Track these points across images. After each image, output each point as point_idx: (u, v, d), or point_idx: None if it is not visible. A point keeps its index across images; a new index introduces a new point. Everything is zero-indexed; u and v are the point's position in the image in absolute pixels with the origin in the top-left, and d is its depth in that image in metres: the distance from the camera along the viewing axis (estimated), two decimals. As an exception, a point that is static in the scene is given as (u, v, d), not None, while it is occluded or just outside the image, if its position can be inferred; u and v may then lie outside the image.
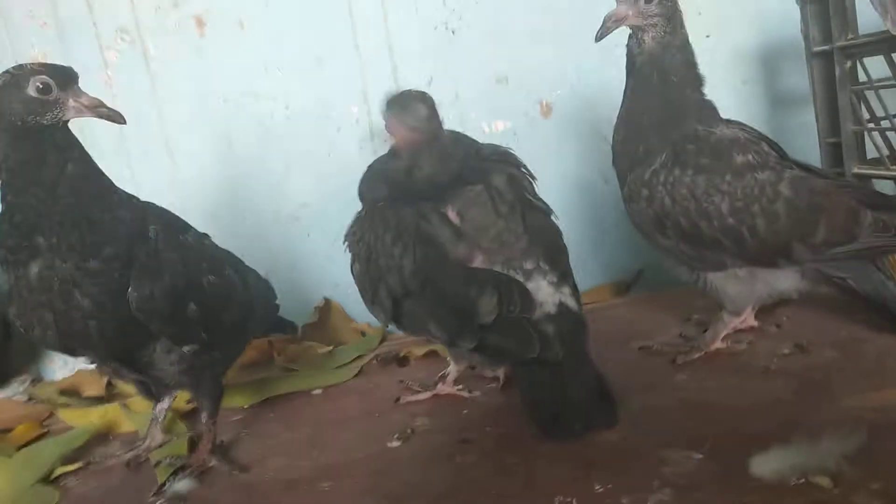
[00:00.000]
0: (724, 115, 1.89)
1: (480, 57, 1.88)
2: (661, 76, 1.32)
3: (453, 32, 1.87)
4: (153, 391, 1.30)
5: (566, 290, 1.20)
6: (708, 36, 1.92)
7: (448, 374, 1.37)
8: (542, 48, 1.86)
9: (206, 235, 1.33)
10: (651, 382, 1.28)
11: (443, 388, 1.36)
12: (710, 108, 1.38)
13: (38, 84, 1.03)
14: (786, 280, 1.33)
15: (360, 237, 1.26)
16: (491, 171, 1.25)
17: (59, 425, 1.48)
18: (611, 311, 1.77)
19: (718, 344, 1.39)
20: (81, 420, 1.44)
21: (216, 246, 1.34)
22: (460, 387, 1.37)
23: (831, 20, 1.48)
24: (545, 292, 1.17)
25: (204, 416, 1.25)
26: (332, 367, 1.59)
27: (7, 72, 1.05)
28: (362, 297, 1.28)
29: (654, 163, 1.31)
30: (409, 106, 1.25)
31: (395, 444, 1.20)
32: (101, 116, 1.10)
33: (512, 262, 1.18)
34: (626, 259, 1.97)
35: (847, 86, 1.48)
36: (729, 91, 1.95)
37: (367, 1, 1.83)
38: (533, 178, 1.31)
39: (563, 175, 1.95)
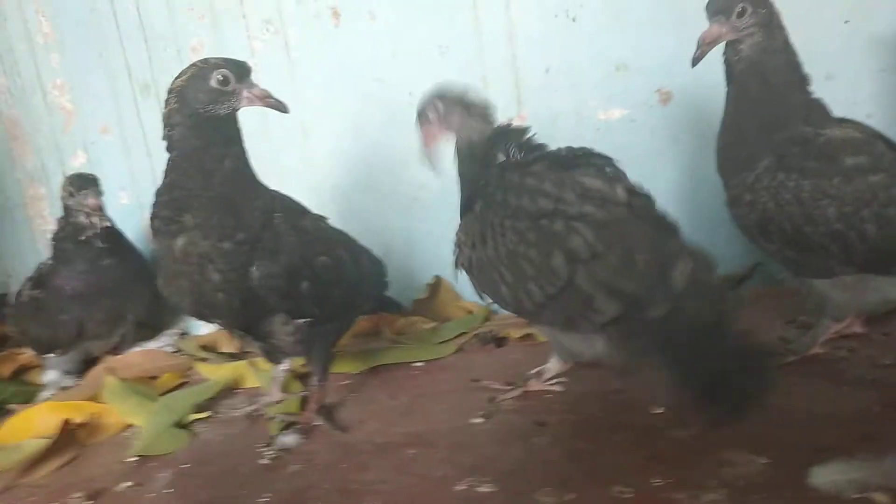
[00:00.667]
0: (860, 105, 1.82)
1: (600, 44, 1.88)
2: (762, 82, 1.30)
3: (574, 20, 1.88)
4: (274, 356, 1.46)
5: None
6: (847, 21, 1.81)
7: (544, 372, 1.38)
8: (662, 35, 1.84)
9: (322, 218, 1.46)
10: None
11: (534, 385, 1.38)
12: (819, 108, 1.33)
13: (219, 76, 1.18)
14: (897, 287, 1.28)
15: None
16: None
17: (197, 377, 1.70)
18: (720, 305, 1.76)
19: (817, 349, 1.37)
20: (214, 374, 1.65)
21: (332, 228, 1.47)
22: (553, 382, 1.38)
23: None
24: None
25: (314, 380, 1.40)
26: (435, 342, 1.70)
27: (193, 65, 1.21)
28: (517, 273, 1.15)
29: (758, 167, 1.29)
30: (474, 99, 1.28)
31: (478, 420, 1.29)
32: (269, 106, 1.25)
33: None
34: (740, 253, 1.92)
35: None
36: (866, 80, 1.83)
37: (491, -2, 1.88)
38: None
39: (679, 164, 1.93)
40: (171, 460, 1.31)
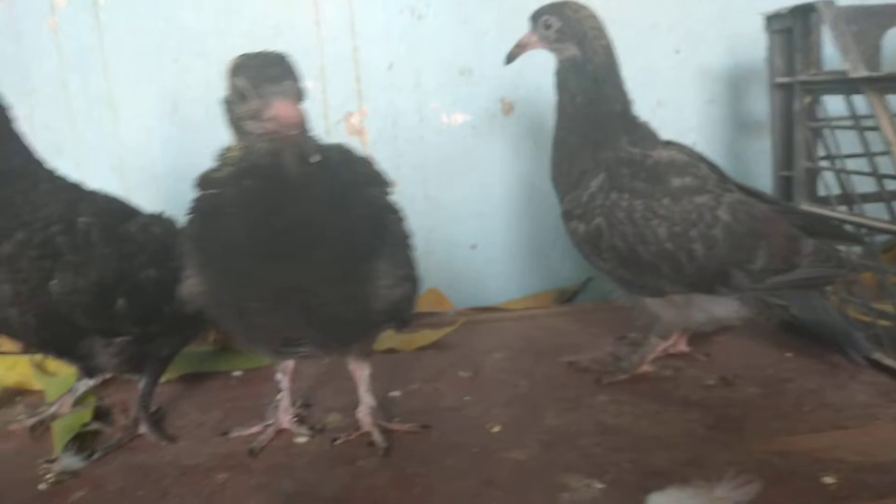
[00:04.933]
0: (686, 133, 1.90)
1: (445, 45, 1.83)
2: (570, 98, 1.31)
3: (419, 18, 1.81)
4: (92, 372, 1.27)
5: None
6: (678, 52, 1.89)
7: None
8: (509, 42, 1.81)
9: (156, 221, 1.27)
10: (571, 401, 1.26)
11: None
12: (645, 129, 1.35)
13: None
14: (725, 307, 1.31)
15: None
16: None
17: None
18: (548, 319, 1.75)
19: (646, 367, 1.38)
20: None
21: (169, 232, 1.28)
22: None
23: (795, 53, 1.45)
24: None
25: (140, 384, 1.23)
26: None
27: None
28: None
29: (591, 185, 1.29)
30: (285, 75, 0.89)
31: (302, 440, 1.16)
32: None
33: None
34: (574, 268, 1.95)
35: (804, 121, 1.45)
36: (694, 109, 1.93)
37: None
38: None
39: (518, 175, 1.92)
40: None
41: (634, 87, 1.35)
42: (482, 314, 1.82)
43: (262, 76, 0.87)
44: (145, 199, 1.39)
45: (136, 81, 1.75)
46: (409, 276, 1.09)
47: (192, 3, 1.74)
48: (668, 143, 1.37)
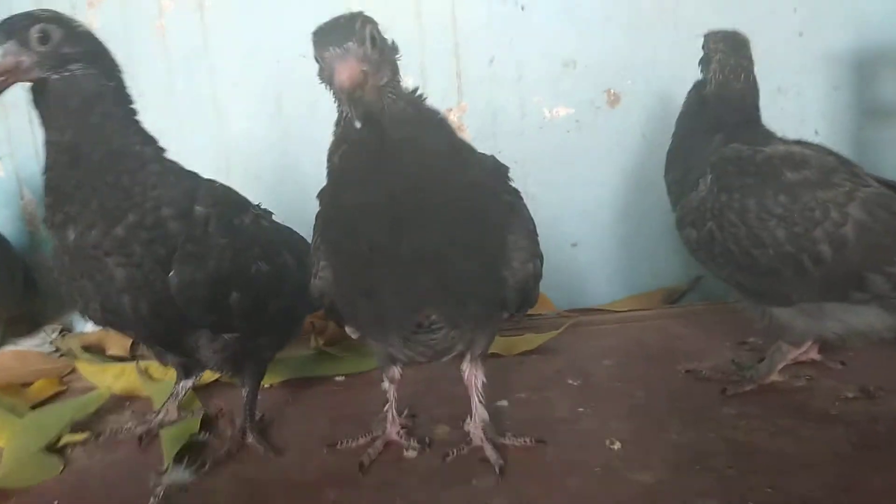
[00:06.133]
0: (809, 122, 1.77)
1: (548, 37, 1.76)
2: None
3: (522, 8, 1.75)
4: (190, 370, 1.26)
5: None
6: (801, 34, 1.76)
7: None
8: (614, 33, 1.74)
9: (265, 215, 1.26)
10: (694, 414, 1.18)
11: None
12: (760, 130, 1.30)
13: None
14: (864, 316, 1.18)
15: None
16: None
17: (81, 383, 1.45)
18: (660, 321, 1.67)
19: (775, 377, 1.28)
20: (97, 377, 1.41)
21: (277, 226, 1.27)
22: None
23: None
24: None
25: (244, 391, 1.21)
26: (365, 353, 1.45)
27: None
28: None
29: (700, 187, 1.23)
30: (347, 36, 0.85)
31: (412, 454, 1.12)
32: None
33: None
34: (682, 266, 1.85)
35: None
36: (818, 96, 1.79)
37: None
38: None
39: (623, 170, 1.84)
40: (35, 495, 1.06)
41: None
42: (586, 316, 1.75)
43: (325, 41, 0.84)
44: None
45: (239, 83, 1.76)
46: (539, 254, 1.03)
47: (294, 3, 1.73)
48: (791, 142, 1.28)
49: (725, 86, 1.31)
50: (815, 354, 1.36)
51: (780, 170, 1.17)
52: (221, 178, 1.75)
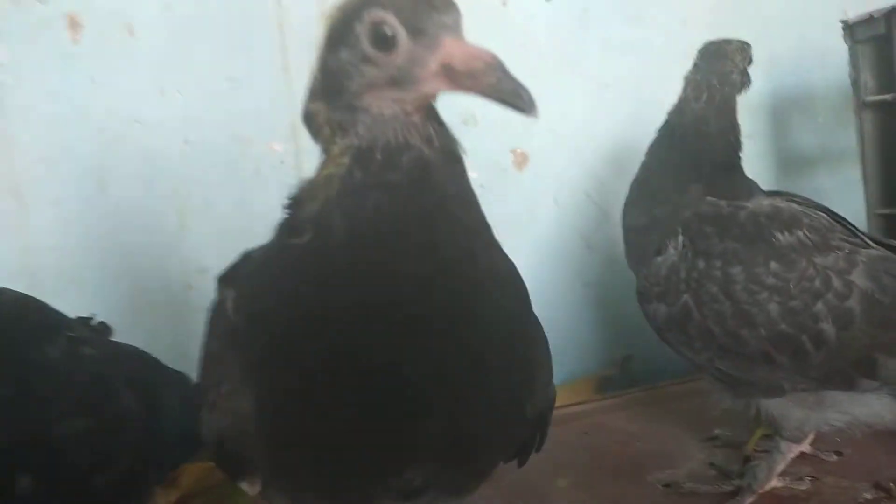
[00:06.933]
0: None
1: (448, 95, 1.50)
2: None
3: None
4: None
5: None
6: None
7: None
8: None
9: (92, 336, 0.91)
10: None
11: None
12: (742, 178, 1.13)
13: None
14: (873, 406, 0.98)
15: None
16: None
17: None
18: (603, 417, 1.41)
19: (774, 482, 1.04)
20: None
21: (115, 351, 0.91)
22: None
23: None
24: None
25: None
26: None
27: None
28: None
29: (669, 250, 1.00)
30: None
31: None
32: None
33: None
34: (612, 345, 1.61)
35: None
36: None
37: (303, 12, 1.42)
38: None
39: (536, 238, 1.60)
40: None
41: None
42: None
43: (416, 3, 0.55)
44: (64, 309, 0.99)
45: (50, 160, 1.35)
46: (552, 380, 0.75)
47: (119, 53, 1.37)
48: (773, 193, 1.10)
49: (693, 112, 1.12)
50: (805, 447, 1.13)
51: (769, 230, 0.96)
52: (23, 284, 1.31)
